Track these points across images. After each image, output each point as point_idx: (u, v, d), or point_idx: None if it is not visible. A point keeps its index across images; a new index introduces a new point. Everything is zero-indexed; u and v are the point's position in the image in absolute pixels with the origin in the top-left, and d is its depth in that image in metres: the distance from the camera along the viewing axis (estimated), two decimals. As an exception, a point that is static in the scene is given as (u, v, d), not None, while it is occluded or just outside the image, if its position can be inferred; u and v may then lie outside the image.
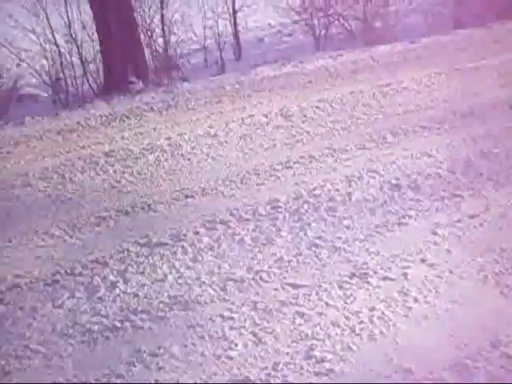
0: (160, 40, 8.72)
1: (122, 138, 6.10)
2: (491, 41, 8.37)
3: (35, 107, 7.88)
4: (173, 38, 8.74)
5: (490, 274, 3.18)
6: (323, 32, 9.49)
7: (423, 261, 3.34)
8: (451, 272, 3.20)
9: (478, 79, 6.83)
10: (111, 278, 3.46)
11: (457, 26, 9.59)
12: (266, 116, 6.20)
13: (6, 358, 2.84)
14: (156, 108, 7.02)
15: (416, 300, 2.98)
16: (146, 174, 5.12)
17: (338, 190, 4.32)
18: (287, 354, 2.66)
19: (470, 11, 9.92)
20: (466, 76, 6.98)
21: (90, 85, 8.15)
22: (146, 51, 8.45)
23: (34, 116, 7.30)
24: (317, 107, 6.32)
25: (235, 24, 9.45)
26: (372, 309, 2.94)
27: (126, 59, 7.97)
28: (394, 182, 4.37)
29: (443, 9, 10.28)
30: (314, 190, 4.37)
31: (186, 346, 2.79)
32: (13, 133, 6.76)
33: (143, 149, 5.64)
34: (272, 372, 2.55)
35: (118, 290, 3.32)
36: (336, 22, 9.69)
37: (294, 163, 4.93)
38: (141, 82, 8.11)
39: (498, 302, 2.98)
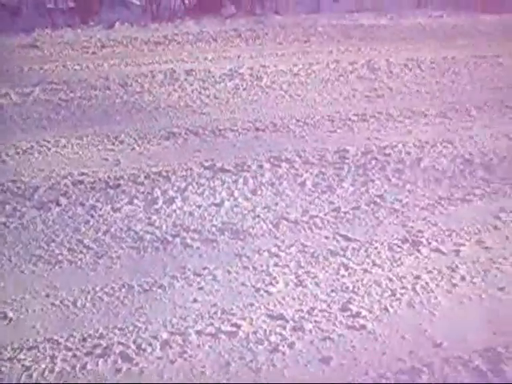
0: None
1: (205, 59, 6.10)
2: None
3: (126, 14, 7.96)
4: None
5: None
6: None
7: (479, 242, 3.24)
8: (505, 259, 3.10)
9: None
10: (171, 192, 3.53)
11: None
12: (351, 64, 6.07)
13: (61, 248, 2.97)
14: (244, 36, 6.96)
15: (463, 279, 2.91)
16: (222, 98, 5.13)
17: (408, 154, 4.21)
18: (325, 301, 2.66)
19: None
20: None
21: (183, 1, 8.15)
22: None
23: (123, 22, 7.40)
24: (405, 65, 6.14)
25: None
26: (417, 277, 2.87)
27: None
28: (467, 156, 4.21)
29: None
30: (385, 148, 4.25)
31: (229, 273, 2.82)
32: (100, 36, 6.86)
33: (224, 74, 5.64)
34: (306, 316, 2.55)
35: (174, 206, 3.39)
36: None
37: (370, 117, 4.83)
38: (233, 7, 8.05)
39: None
